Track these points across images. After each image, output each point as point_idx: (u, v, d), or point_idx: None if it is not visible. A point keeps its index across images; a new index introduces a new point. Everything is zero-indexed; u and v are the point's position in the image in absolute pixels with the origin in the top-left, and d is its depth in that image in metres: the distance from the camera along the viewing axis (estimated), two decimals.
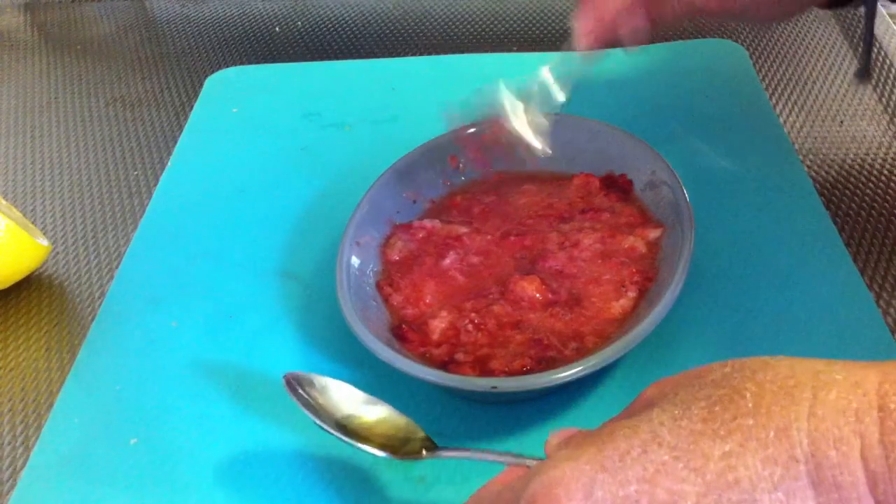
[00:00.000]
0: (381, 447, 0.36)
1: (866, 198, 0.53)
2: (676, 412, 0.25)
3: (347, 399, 0.39)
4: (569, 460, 0.25)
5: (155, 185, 0.58)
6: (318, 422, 0.37)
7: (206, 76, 0.69)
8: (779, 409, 0.24)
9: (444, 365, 0.40)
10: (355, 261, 0.45)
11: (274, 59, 0.73)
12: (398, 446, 0.37)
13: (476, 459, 0.35)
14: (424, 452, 0.36)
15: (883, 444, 0.22)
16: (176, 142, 0.62)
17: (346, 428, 0.37)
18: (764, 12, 0.49)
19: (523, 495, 0.26)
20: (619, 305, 0.42)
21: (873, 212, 0.52)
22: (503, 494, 0.28)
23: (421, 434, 0.37)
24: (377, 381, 0.42)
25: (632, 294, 0.42)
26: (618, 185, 0.49)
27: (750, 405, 0.25)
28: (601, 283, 0.43)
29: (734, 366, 0.27)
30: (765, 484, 0.23)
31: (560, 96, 0.48)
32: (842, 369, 0.25)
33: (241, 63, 0.73)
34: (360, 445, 0.37)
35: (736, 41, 0.67)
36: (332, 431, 0.37)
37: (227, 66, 0.71)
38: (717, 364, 0.28)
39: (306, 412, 0.38)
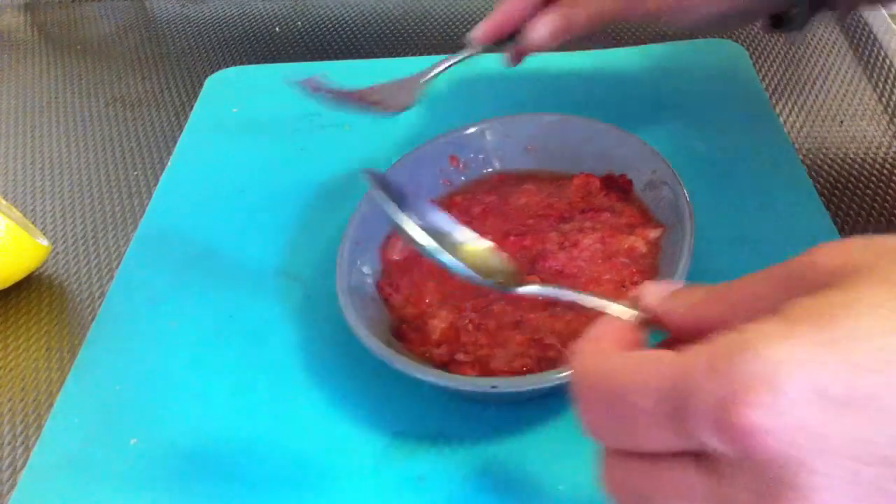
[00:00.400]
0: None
1: (866, 198, 0.53)
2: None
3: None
4: (782, 338, 0.20)
5: (155, 185, 0.58)
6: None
7: (206, 76, 0.69)
8: None
9: (445, 365, 0.40)
10: (355, 261, 0.45)
11: (274, 59, 0.73)
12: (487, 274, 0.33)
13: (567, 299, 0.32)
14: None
15: None
16: (176, 142, 0.62)
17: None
18: (688, 18, 0.48)
19: (725, 390, 0.20)
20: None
21: (873, 212, 0.52)
22: (676, 382, 0.21)
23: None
24: (377, 380, 0.42)
25: (632, 294, 0.42)
26: (618, 185, 0.49)
27: None
28: (601, 283, 0.43)
29: None
30: None
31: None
32: None
33: (241, 63, 0.73)
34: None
35: (736, 41, 0.67)
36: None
37: (227, 66, 0.71)
38: None
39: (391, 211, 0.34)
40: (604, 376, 0.24)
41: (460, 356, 0.41)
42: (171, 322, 0.47)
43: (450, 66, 0.52)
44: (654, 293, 0.27)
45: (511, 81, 0.61)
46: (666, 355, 0.22)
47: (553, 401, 0.41)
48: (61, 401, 0.44)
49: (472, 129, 0.52)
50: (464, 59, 0.52)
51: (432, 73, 0.52)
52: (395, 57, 0.71)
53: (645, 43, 0.67)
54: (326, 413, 0.41)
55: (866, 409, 0.19)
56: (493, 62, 0.67)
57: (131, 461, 0.40)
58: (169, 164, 0.60)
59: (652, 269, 0.43)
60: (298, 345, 0.45)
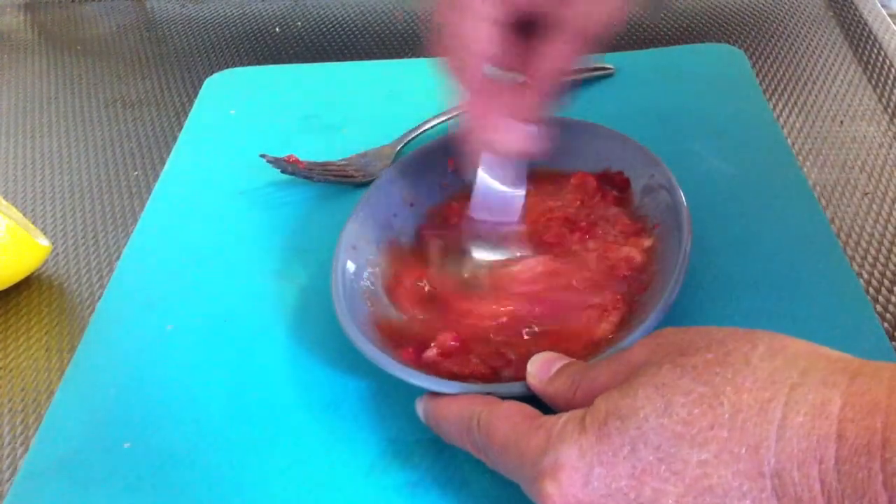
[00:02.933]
0: None
1: (866, 198, 0.53)
2: (659, 405, 0.29)
3: None
4: (573, 446, 0.30)
5: (155, 185, 0.58)
6: None
7: (207, 76, 0.69)
8: (752, 426, 0.28)
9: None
10: (350, 265, 0.45)
11: (274, 60, 0.73)
12: None
13: None
14: None
15: (837, 470, 0.26)
16: (176, 142, 0.62)
17: None
18: None
19: (538, 468, 0.31)
20: (607, 324, 0.41)
21: (871, 212, 0.52)
22: (526, 442, 0.32)
23: None
24: (373, 383, 0.42)
25: (620, 307, 0.42)
26: (614, 183, 0.49)
27: (727, 416, 0.28)
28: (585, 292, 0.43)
29: (717, 353, 0.30)
30: (734, 493, 0.27)
31: None
32: (814, 386, 0.28)
33: (242, 64, 0.73)
34: None
35: (734, 44, 0.67)
36: None
37: (227, 67, 0.71)
38: (701, 341, 0.30)
39: None
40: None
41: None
42: (167, 325, 0.47)
43: (420, 133, 0.57)
44: (536, 373, 0.36)
45: None
46: (526, 423, 0.33)
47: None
48: (54, 405, 0.44)
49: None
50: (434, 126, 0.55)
51: (404, 141, 0.57)
52: (395, 57, 0.71)
53: (641, 48, 0.67)
54: (321, 418, 0.41)
55: (615, 496, 0.29)
56: None
57: (124, 465, 0.40)
58: (165, 166, 0.60)
59: (650, 275, 0.43)
60: (293, 348, 0.45)
